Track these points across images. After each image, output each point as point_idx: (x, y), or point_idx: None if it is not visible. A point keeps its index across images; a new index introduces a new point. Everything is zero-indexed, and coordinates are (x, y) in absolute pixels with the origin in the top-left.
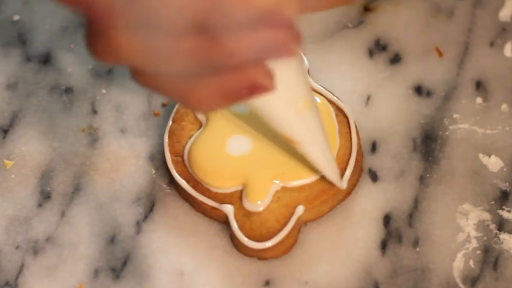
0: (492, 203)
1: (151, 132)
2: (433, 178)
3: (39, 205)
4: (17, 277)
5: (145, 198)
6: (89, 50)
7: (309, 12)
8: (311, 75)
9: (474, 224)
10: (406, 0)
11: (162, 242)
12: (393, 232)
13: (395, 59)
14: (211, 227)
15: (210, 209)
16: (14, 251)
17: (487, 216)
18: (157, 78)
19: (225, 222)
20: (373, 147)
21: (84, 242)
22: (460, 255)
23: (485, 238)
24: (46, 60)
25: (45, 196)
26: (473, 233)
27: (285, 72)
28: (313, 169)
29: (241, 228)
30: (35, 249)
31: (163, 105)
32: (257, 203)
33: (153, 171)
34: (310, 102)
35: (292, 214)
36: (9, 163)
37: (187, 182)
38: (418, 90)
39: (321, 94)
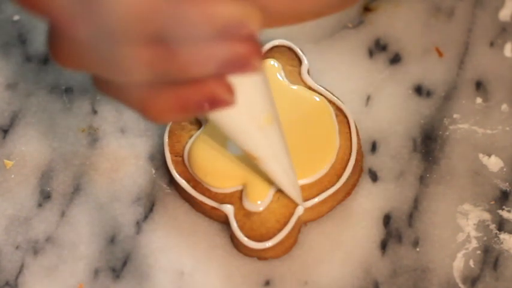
0: (492, 203)
1: (151, 132)
2: (433, 178)
3: (39, 205)
4: (17, 277)
5: (145, 198)
6: (51, 55)
7: (273, 26)
8: (311, 75)
9: (474, 224)
10: (406, 0)
11: (162, 242)
12: (393, 232)
13: (395, 59)
14: (211, 227)
15: (210, 209)
16: (14, 251)
17: (487, 216)
18: (117, 87)
19: (225, 222)
20: (373, 147)
21: (84, 242)
22: (460, 255)
23: (485, 238)
24: (46, 60)
25: (45, 196)
26: (473, 233)
27: (246, 87)
28: (313, 169)
29: (241, 228)
30: (35, 249)
31: None
32: (257, 203)
33: (153, 171)
34: (273, 118)
35: (292, 214)
36: (9, 163)
37: (187, 182)
38: (418, 90)
39: (321, 94)
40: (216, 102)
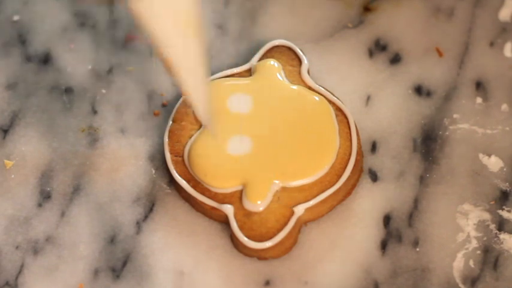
0: (492, 203)
1: (151, 132)
2: (433, 178)
3: (39, 205)
4: (17, 277)
5: (145, 198)
6: None
7: None
8: (311, 75)
9: (474, 224)
10: (406, 0)
11: (162, 242)
12: (393, 232)
13: (395, 59)
14: (211, 227)
15: (210, 209)
16: (14, 251)
17: (487, 216)
18: None
19: (225, 222)
20: (373, 147)
21: (84, 242)
22: (460, 255)
23: (485, 238)
24: (46, 60)
25: (45, 196)
26: (473, 233)
27: None
28: (313, 169)
29: (241, 228)
30: (35, 249)
31: (163, 105)
32: (257, 203)
33: (153, 171)
34: (195, 27)
35: (292, 214)
36: (9, 163)
37: (187, 182)
38: (418, 90)
39: (321, 94)
40: None
